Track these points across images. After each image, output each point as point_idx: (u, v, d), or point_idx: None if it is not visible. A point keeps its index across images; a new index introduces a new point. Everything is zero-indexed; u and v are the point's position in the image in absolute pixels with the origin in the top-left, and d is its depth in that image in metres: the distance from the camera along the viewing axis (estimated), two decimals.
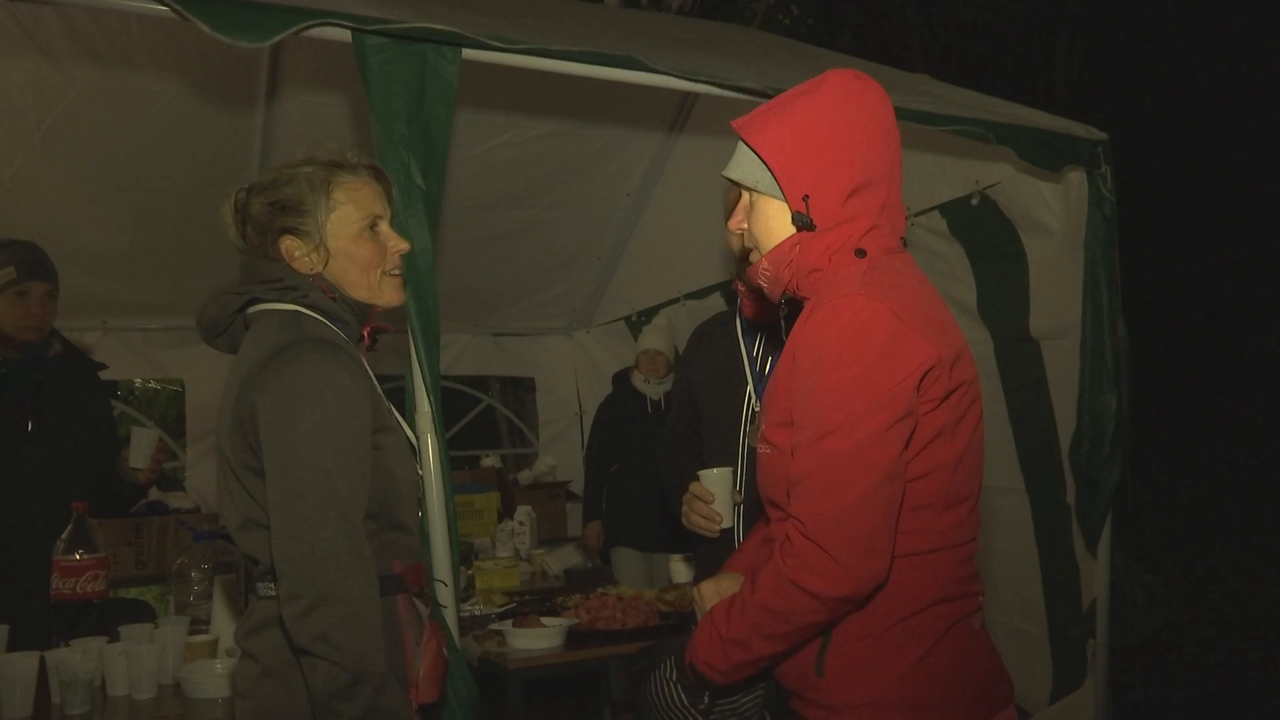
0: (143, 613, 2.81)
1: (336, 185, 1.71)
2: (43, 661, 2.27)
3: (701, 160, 4.63)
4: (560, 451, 6.04)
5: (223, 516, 1.70)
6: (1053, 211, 3.68)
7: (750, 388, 2.37)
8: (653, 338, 4.78)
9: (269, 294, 1.70)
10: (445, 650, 1.77)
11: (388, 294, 1.77)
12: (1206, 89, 14.53)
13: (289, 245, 1.71)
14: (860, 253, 1.58)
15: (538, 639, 2.69)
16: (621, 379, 4.84)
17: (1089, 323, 3.46)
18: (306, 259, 1.71)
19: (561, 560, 4.08)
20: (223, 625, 2.58)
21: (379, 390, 1.71)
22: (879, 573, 1.47)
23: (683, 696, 1.62)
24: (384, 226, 1.77)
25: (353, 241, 1.72)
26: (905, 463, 1.49)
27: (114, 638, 2.43)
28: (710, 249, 5.07)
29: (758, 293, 2.36)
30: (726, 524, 2.22)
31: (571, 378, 6.21)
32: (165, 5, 2.13)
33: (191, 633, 2.54)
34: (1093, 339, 3.45)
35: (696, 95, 3.27)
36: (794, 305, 1.71)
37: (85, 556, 2.53)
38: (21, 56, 3.45)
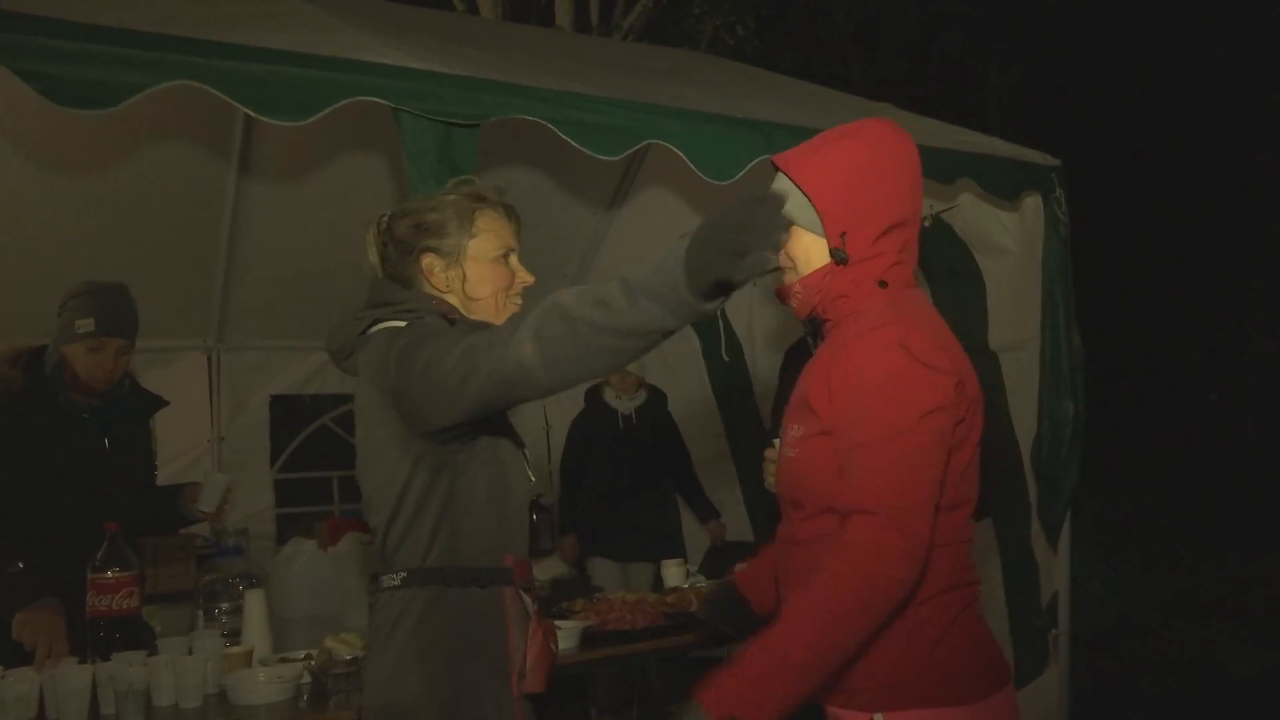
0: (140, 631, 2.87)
1: (479, 215, 1.88)
2: None
3: (664, 186, 4.82)
4: None
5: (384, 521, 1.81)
6: (1008, 232, 3.94)
7: None
8: None
9: (389, 315, 1.83)
10: (552, 645, 1.86)
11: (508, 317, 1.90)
12: (1141, 111, 15.29)
13: (429, 262, 1.85)
14: (883, 284, 1.75)
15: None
16: (594, 396, 4.99)
17: (1047, 335, 3.73)
18: (444, 275, 1.86)
19: (546, 570, 4.22)
20: (255, 637, 2.67)
21: None
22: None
23: None
24: (514, 259, 1.92)
25: (489, 265, 1.88)
26: None
27: (152, 651, 2.52)
28: None
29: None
30: None
31: None
32: (210, 89, 2.26)
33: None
34: (1051, 350, 3.72)
35: None
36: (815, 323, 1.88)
37: (119, 574, 2.60)
38: None
